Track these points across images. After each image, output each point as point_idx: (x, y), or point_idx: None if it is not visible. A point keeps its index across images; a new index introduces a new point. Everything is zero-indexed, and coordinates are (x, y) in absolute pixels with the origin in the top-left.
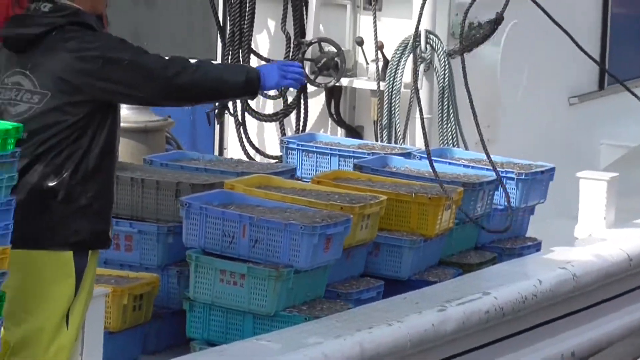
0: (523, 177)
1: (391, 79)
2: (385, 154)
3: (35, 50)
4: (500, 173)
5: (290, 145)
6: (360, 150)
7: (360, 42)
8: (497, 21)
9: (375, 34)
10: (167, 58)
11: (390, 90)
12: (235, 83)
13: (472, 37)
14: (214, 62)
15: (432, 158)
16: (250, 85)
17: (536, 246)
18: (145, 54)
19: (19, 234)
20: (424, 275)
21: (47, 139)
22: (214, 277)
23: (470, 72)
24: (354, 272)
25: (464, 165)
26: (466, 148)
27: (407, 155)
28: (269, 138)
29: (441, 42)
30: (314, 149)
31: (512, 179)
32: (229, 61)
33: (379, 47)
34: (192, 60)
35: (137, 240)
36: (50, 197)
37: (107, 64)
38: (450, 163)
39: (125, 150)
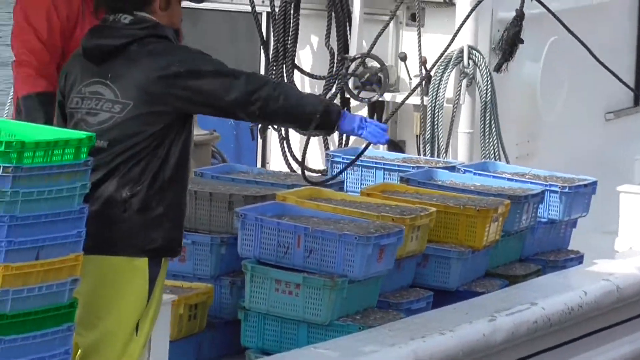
0: (567, 190)
1: (434, 93)
2: (429, 167)
3: (114, 61)
4: (544, 186)
5: (336, 159)
6: (404, 163)
7: (403, 58)
8: (520, 17)
9: (420, 50)
10: (247, 72)
11: (433, 105)
12: (313, 111)
13: (503, 40)
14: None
15: (476, 171)
16: (326, 117)
17: (578, 259)
18: (225, 66)
19: (94, 241)
20: (471, 286)
21: (127, 149)
22: (269, 287)
23: (511, 88)
24: (403, 283)
25: (508, 179)
26: (507, 162)
27: (452, 168)
28: (312, 152)
29: (483, 58)
30: (360, 162)
31: (556, 192)
32: (273, 76)
33: (422, 62)
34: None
35: (191, 251)
36: (128, 206)
37: (189, 74)
38: (494, 176)
39: None
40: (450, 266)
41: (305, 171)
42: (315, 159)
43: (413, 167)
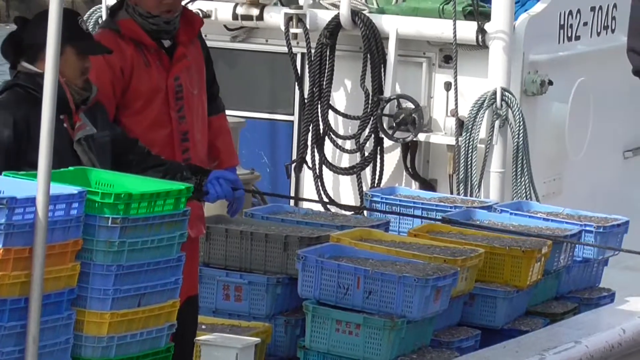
0: (602, 230)
1: (468, 134)
2: (467, 207)
3: None
4: (580, 226)
5: (375, 199)
6: (442, 203)
7: (448, 88)
8: None
9: (456, 92)
10: None
11: (467, 145)
12: None
13: None
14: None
15: (512, 211)
16: None
17: (610, 296)
18: None
19: None
20: (515, 325)
21: None
22: (330, 327)
23: (540, 128)
24: (452, 322)
25: (544, 219)
26: (538, 201)
27: (489, 208)
28: (344, 190)
29: (516, 99)
30: (398, 202)
31: (591, 232)
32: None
33: (452, 114)
34: None
35: (247, 291)
36: None
37: None
38: (530, 216)
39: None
40: (497, 305)
41: (343, 209)
42: (347, 197)
43: (451, 207)
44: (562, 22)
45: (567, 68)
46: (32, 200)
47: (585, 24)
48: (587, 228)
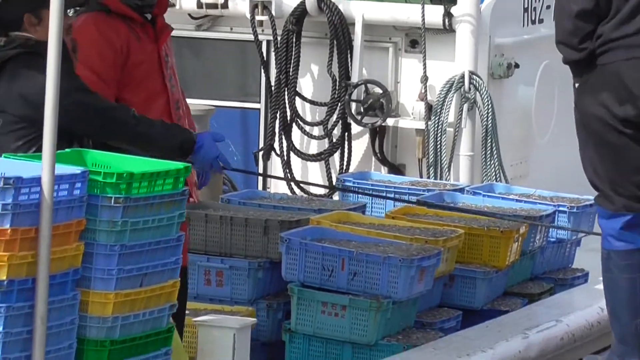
0: (575, 210)
1: (437, 118)
2: (440, 190)
3: None
4: (554, 207)
5: (347, 183)
6: (414, 187)
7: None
8: None
9: (425, 75)
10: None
11: (436, 129)
12: None
13: None
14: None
15: (485, 193)
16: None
17: (584, 276)
18: None
19: None
20: (494, 305)
21: None
22: (315, 309)
23: (507, 110)
24: (432, 303)
25: (517, 200)
26: (507, 183)
27: (461, 190)
28: (313, 177)
29: (484, 83)
30: (370, 186)
31: (565, 212)
32: (275, 105)
33: (421, 98)
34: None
35: (228, 276)
36: None
37: None
38: (503, 198)
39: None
40: (476, 286)
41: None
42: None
43: (424, 190)
44: (526, 5)
45: (532, 51)
46: (37, 180)
47: (549, 7)
48: (561, 208)
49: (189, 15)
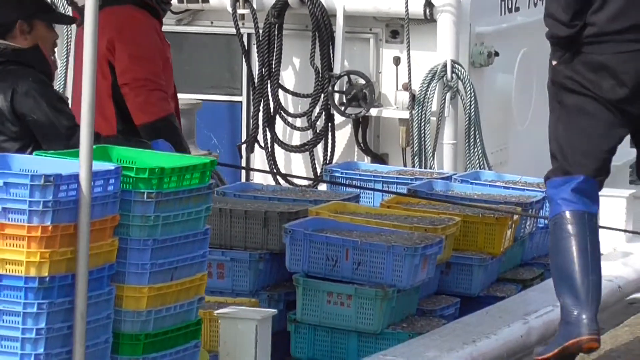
0: None
1: (420, 107)
2: (427, 179)
3: None
4: (542, 193)
5: (335, 174)
6: (401, 176)
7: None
8: None
9: (409, 65)
10: None
11: (420, 118)
12: None
13: None
14: None
15: (472, 181)
16: None
17: None
18: None
19: None
20: (490, 291)
21: None
22: (321, 299)
23: (487, 98)
24: (430, 290)
25: (504, 187)
26: (489, 170)
27: (448, 179)
28: (297, 168)
29: (465, 71)
30: (358, 176)
31: None
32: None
33: (405, 87)
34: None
35: (229, 268)
36: None
37: None
38: (490, 185)
39: None
40: (473, 273)
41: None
42: (299, 174)
43: (411, 179)
44: None
45: (511, 39)
46: (75, 177)
47: None
48: None
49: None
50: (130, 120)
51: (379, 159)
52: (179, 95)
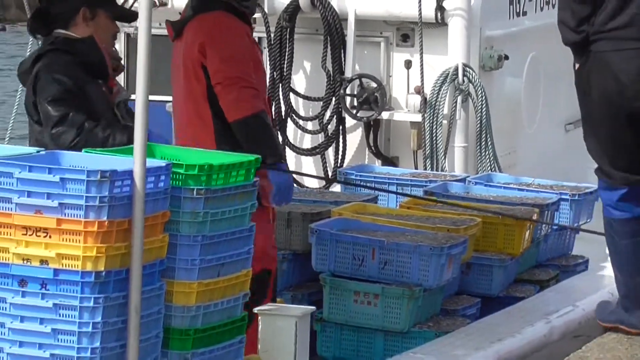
0: (576, 198)
1: (432, 110)
2: (442, 181)
3: None
4: (557, 195)
5: (350, 177)
6: (415, 178)
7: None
8: None
9: (422, 69)
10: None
11: (431, 121)
12: None
13: None
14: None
15: (486, 183)
16: None
17: (585, 263)
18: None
19: None
20: (509, 292)
21: None
22: (348, 298)
23: (497, 102)
24: (451, 291)
25: (518, 189)
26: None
27: (462, 181)
28: (308, 171)
29: (477, 75)
30: (373, 178)
31: (567, 200)
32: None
33: (417, 91)
34: None
35: None
36: None
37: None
38: (504, 187)
39: None
40: (493, 273)
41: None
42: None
43: (426, 182)
44: None
45: (520, 43)
46: (129, 173)
47: None
48: (563, 197)
49: (181, 14)
50: (225, 120)
51: (390, 162)
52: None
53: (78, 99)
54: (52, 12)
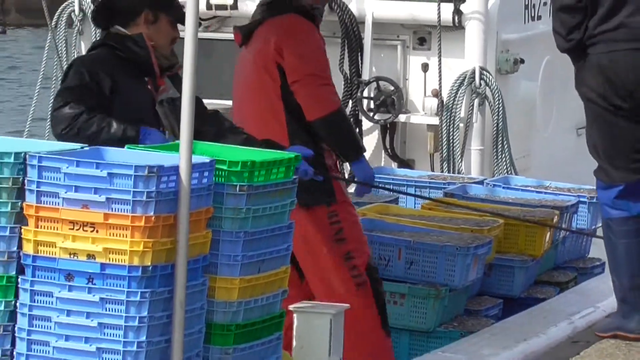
0: (594, 201)
1: (449, 113)
2: (461, 183)
3: None
4: (576, 197)
5: None
6: (434, 180)
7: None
8: None
9: (440, 72)
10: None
11: (449, 124)
12: None
13: None
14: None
15: (504, 185)
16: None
17: (601, 266)
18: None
19: None
20: (530, 293)
21: None
22: None
23: (512, 105)
24: (473, 292)
25: (537, 192)
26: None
27: (480, 183)
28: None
29: (493, 78)
30: (391, 181)
31: (585, 202)
32: None
33: (435, 94)
34: None
35: None
36: None
37: None
38: (522, 190)
39: None
40: (514, 274)
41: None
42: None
43: (445, 184)
44: (526, 2)
45: (535, 47)
46: (175, 169)
47: (545, 3)
48: (581, 199)
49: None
50: (299, 118)
51: (406, 164)
52: (207, 102)
53: (91, 93)
54: (115, 8)
